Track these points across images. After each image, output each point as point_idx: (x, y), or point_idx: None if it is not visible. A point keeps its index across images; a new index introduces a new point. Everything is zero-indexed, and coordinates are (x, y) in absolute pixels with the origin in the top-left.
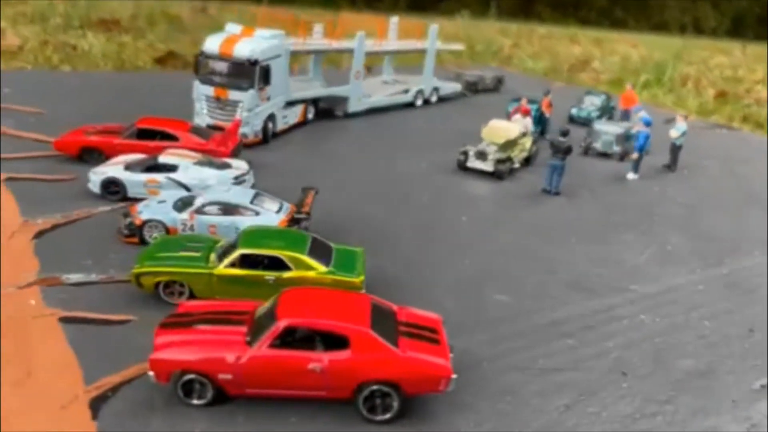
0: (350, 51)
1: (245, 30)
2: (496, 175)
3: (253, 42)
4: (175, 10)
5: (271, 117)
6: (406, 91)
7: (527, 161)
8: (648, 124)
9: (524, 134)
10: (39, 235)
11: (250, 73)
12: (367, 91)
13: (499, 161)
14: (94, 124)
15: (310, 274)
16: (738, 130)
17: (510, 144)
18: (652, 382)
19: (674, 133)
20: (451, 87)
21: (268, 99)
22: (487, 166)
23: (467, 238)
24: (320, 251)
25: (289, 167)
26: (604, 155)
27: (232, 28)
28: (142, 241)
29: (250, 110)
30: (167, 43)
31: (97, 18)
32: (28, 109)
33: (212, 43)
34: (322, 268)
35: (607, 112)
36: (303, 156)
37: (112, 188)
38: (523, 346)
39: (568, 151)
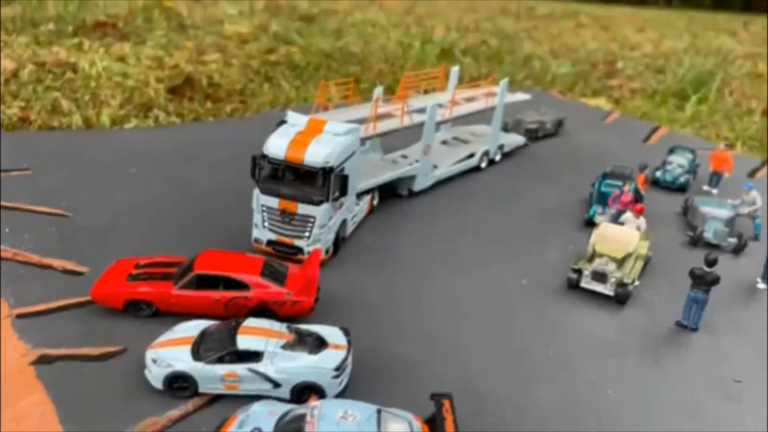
0: (421, 125)
1: (313, 124)
2: (617, 300)
3: (327, 144)
4: (170, 2)
5: (343, 223)
6: (471, 155)
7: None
8: None
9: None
10: None
11: (324, 183)
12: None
13: (621, 284)
14: (137, 256)
15: None
16: None
17: (628, 257)
18: None
19: None
20: (515, 140)
21: (341, 206)
22: (607, 290)
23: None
24: None
25: (366, 297)
26: (713, 246)
27: (296, 119)
28: None
29: (323, 226)
30: (173, 54)
31: (91, 21)
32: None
33: (277, 145)
34: None
35: (691, 172)
36: (374, 272)
37: (180, 383)
38: None
39: (714, 282)
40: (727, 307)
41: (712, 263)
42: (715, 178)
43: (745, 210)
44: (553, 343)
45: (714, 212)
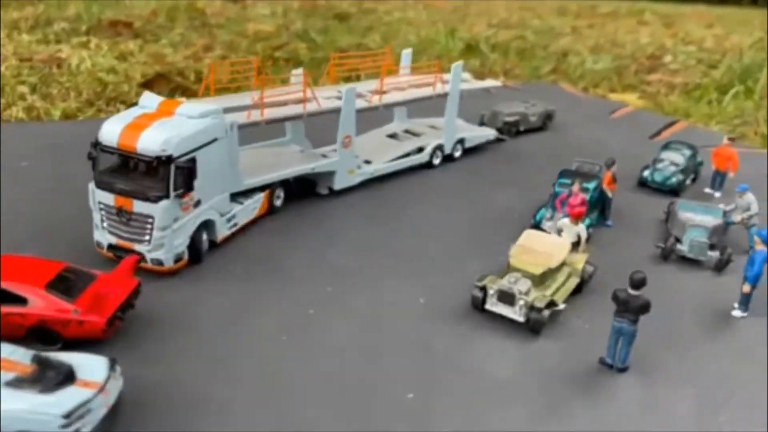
0: (336, 112)
1: (164, 106)
2: (529, 328)
3: (169, 129)
4: (202, 3)
5: (206, 225)
6: (420, 150)
7: (579, 289)
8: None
9: (575, 246)
10: None
11: (163, 175)
12: (366, 153)
13: (534, 308)
14: None
15: None
16: None
17: (552, 274)
18: None
19: None
20: (482, 135)
21: (197, 204)
22: (516, 314)
23: None
24: None
25: (205, 317)
26: (692, 261)
27: (149, 100)
28: None
29: (164, 228)
30: (179, 50)
31: (108, 20)
32: None
33: (111, 131)
34: None
35: (691, 172)
36: (238, 286)
37: None
38: None
39: (642, 309)
40: (682, 341)
41: (638, 284)
42: (719, 179)
43: (738, 217)
44: (422, 382)
45: (696, 219)
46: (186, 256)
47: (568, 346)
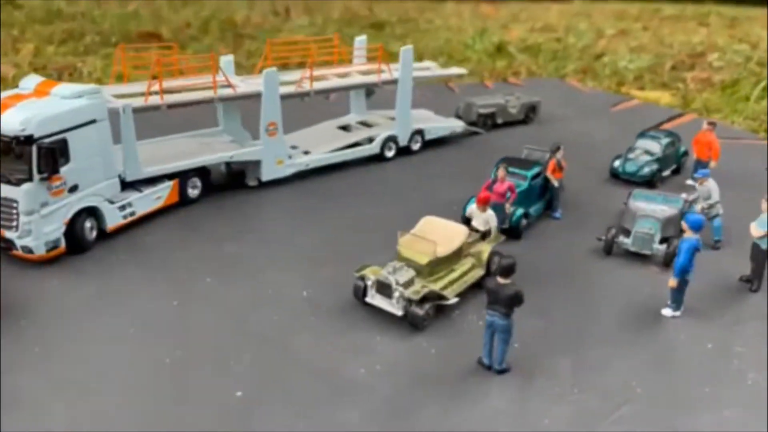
0: (257, 96)
1: (41, 86)
2: (409, 322)
3: (33, 108)
4: (241, 15)
5: (92, 212)
6: (371, 140)
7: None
8: (696, 227)
9: (483, 236)
10: None
11: (25, 158)
12: (310, 144)
13: (413, 300)
14: None
15: None
16: None
17: (442, 264)
18: None
19: (756, 230)
20: (446, 125)
21: (73, 189)
22: (394, 308)
23: None
24: None
25: (45, 308)
26: (639, 255)
27: (29, 82)
28: None
29: (30, 213)
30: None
31: (138, 31)
32: None
33: None
34: None
35: (673, 162)
36: (109, 277)
37: None
38: None
39: (513, 300)
40: (587, 343)
41: (506, 271)
42: (700, 169)
43: (698, 207)
44: (261, 380)
45: (647, 209)
46: (62, 244)
47: (451, 344)
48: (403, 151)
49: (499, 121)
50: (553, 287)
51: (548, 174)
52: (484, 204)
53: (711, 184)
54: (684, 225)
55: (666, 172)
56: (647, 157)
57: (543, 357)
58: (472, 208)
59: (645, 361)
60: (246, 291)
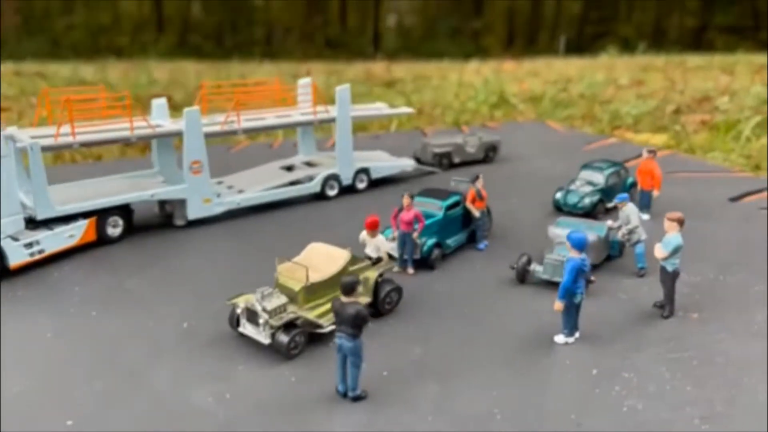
0: (176, 135)
1: None
2: (275, 350)
3: None
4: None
5: None
6: (311, 179)
7: (375, 304)
8: (578, 246)
9: (374, 263)
10: None
11: None
12: (247, 183)
13: (280, 327)
14: None
15: None
16: None
17: (320, 290)
18: None
19: (660, 251)
20: (393, 165)
21: None
22: (261, 336)
23: None
24: None
25: None
26: (553, 284)
27: None
28: None
29: None
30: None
31: (150, 95)
32: None
33: None
34: None
35: (619, 192)
36: None
37: None
38: None
39: (356, 321)
40: (457, 371)
41: (347, 289)
42: (645, 199)
43: (619, 233)
44: (95, 410)
45: (563, 236)
46: None
47: (314, 372)
48: (348, 190)
49: (456, 160)
50: (449, 315)
51: (468, 204)
52: (372, 229)
53: (630, 209)
54: (567, 244)
55: (611, 203)
56: (589, 188)
57: (410, 384)
58: (363, 235)
59: (518, 388)
60: (127, 323)
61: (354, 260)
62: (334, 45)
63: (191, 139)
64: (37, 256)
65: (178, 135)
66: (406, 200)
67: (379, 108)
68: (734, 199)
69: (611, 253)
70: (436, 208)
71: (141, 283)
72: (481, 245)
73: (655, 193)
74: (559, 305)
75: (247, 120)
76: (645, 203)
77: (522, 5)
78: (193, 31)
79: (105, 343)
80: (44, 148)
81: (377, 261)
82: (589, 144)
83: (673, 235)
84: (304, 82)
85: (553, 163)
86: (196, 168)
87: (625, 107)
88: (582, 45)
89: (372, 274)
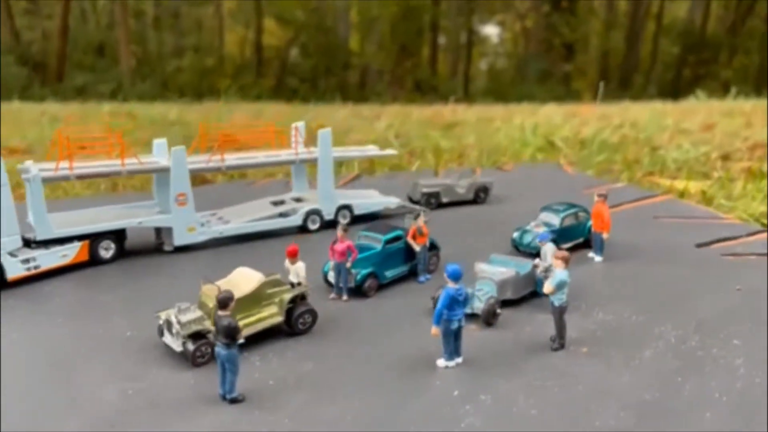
0: (164, 171)
1: None
2: (186, 358)
3: None
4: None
5: None
6: (296, 212)
7: (289, 324)
8: (452, 277)
9: (292, 286)
10: None
11: None
12: (234, 215)
13: (191, 336)
14: None
15: None
16: None
17: (242, 308)
18: None
19: (548, 286)
20: (379, 201)
21: None
22: (174, 344)
23: None
24: None
25: None
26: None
27: None
28: None
29: None
30: None
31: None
32: None
33: None
34: None
35: (577, 235)
36: None
37: None
38: None
39: (228, 332)
40: (338, 388)
41: (222, 304)
42: (597, 241)
43: (538, 270)
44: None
45: (489, 272)
46: None
47: (213, 379)
48: (331, 225)
49: (445, 200)
50: (355, 338)
51: (409, 239)
52: (292, 257)
53: (548, 248)
54: (445, 275)
55: (567, 245)
56: (544, 229)
57: (286, 393)
58: (286, 262)
59: (378, 402)
60: (82, 330)
61: (272, 283)
62: (424, 88)
63: (177, 175)
64: (33, 271)
65: (166, 171)
66: (339, 233)
67: (363, 150)
68: (701, 245)
69: (537, 289)
70: (376, 241)
71: (114, 297)
72: (422, 278)
73: (605, 235)
74: (435, 330)
75: (234, 159)
76: (598, 246)
77: (617, 48)
78: (290, 74)
79: (54, 345)
80: (44, 179)
81: (297, 285)
82: (590, 188)
83: (558, 272)
84: (300, 125)
85: (542, 204)
86: (181, 200)
87: (674, 153)
88: (679, 88)
89: (286, 296)
